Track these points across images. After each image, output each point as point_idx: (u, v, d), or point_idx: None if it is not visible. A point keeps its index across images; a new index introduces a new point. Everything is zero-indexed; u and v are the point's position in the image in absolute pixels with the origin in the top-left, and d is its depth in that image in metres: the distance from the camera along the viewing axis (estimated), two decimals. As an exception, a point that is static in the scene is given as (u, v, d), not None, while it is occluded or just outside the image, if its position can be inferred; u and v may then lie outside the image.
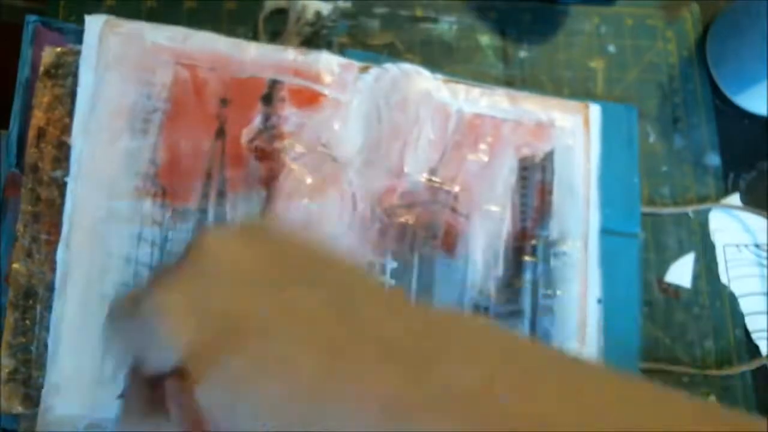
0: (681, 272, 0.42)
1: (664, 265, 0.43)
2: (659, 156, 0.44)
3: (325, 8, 0.43)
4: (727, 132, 0.46)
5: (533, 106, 0.41)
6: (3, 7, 0.39)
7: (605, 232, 0.41)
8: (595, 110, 0.42)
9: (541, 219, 0.40)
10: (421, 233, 0.39)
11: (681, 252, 0.43)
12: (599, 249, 0.41)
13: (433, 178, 0.39)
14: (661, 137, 0.45)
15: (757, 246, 0.44)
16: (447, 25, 0.44)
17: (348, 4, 0.43)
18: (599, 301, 0.40)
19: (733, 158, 0.45)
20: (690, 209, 0.43)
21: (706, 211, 0.44)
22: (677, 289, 0.43)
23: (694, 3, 0.48)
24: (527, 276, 0.39)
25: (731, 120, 0.46)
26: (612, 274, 0.41)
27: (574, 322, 0.39)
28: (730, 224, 0.44)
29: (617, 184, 0.42)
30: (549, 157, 0.41)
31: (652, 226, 0.43)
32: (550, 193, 0.41)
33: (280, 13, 0.42)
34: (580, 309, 0.40)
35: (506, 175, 0.40)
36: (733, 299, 0.43)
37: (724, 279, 0.43)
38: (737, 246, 0.44)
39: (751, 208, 0.44)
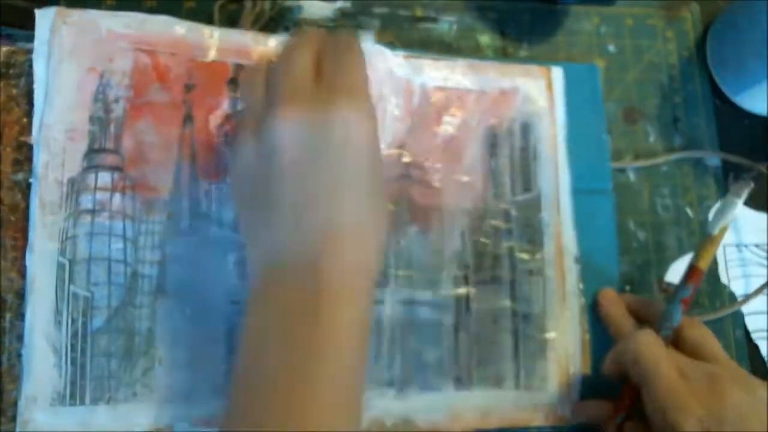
0: (681, 272, 0.42)
1: (663, 265, 0.43)
2: (659, 156, 0.44)
3: (327, 8, 0.43)
4: (727, 132, 0.46)
5: (496, 75, 0.42)
6: (3, 7, 0.39)
7: (578, 191, 0.41)
8: (557, 73, 0.43)
9: (513, 185, 0.41)
10: (395, 210, 0.39)
11: (681, 252, 0.43)
12: (573, 209, 0.41)
13: (402, 154, 0.40)
14: (661, 137, 0.45)
15: (757, 246, 0.44)
16: (447, 25, 0.44)
17: (348, 4, 0.43)
18: (576, 260, 0.40)
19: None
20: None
21: (706, 211, 0.44)
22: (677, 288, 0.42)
23: (694, 3, 0.48)
24: (504, 242, 0.40)
25: (731, 120, 0.46)
26: (588, 232, 0.41)
27: (553, 283, 0.40)
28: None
29: (586, 143, 0.42)
30: (515, 123, 0.42)
31: (652, 226, 0.43)
32: (520, 159, 0.41)
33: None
34: (559, 270, 0.40)
35: (474, 145, 0.41)
36: (732, 299, 0.43)
37: (723, 279, 0.43)
38: (737, 246, 0.44)
39: (750, 208, 0.44)
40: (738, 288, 0.43)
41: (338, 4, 0.43)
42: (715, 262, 0.43)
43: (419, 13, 0.44)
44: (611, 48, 0.46)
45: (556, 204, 0.41)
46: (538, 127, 0.42)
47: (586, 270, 0.41)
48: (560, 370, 0.39)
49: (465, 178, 0.40)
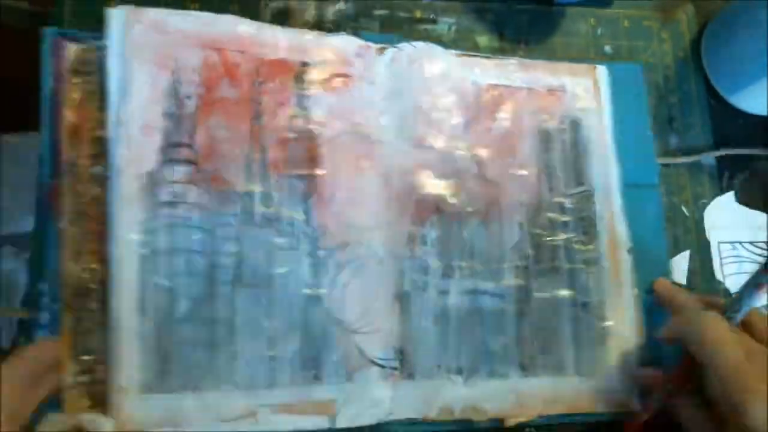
0: (677, 269, 0.43)
1: (660, 263, 0.43)
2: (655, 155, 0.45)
3: (328, 11, 0.43)
4: (722, 131, 0.46)
5: (544, 73, 0.43)
6: (7, 9, 0.40)
7: (626, 186, 0.43)
8: (602, 71, 0.44)
9: (566, 179, 0.42)
10: (455, 202, 0.40)
11: (677, 249, 0.44)
12: (623, 203, 0.42)
13: (459, 149, 0.41)
14: (657, 136, 0.45)
15: (751, 243, 0.45)
16: (446, 26, 0.45)
17: (348, 6, 0.44)
18: (629, 251, 0.41)
19: (727, 157, 0.46)
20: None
21: (702, 209, 0.45)
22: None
23: (689, 4, 0.48)
24: (560, 234, 0.41)
25: (726, 119, 0.47)
26: (638, 226, 0.42)
27: (609, 273, 0.41)
28: (724, 222, 0.45)
29: (631, 139, 0.44)
30: (565, 120, 0.43)
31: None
32: (572, 154, 0.42)
33: (281, 14, 0.42)
34: (613, 261, 0.41)
35: (528, 140, 0.42)
36: (727, 296, 0.44)
37: (719, 276, 0.44)
38: (732, 243, 0.45)
39: (745, 206, 0.45)
40: (733, 285, 0.44)
41: (338, 6, 0.43)
42: (710, 260, 0.44)
43: (419, 14, 0.45)
44: (608, 49, 0.46)
45: (608, 197, 0.42)
46: (587, 124, 0.43)
47: (638, 261, 0.41)
48: (619, 358, 0.40)
49: (520, 172, 0.41)
